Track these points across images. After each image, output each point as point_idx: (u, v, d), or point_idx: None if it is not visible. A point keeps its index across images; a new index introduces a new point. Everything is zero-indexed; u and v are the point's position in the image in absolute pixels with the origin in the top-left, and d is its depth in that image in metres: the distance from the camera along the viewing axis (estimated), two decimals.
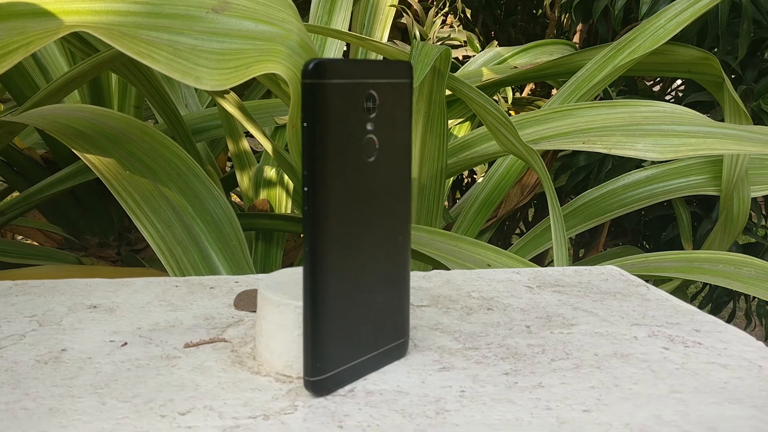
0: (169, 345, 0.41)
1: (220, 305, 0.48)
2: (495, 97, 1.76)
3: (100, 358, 0.39)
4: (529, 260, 1.32)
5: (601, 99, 1.47)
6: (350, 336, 0.36)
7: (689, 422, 0.34)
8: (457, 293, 0.52)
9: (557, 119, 0.99)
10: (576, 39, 1.70)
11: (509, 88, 1.72)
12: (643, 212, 1.51)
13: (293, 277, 0.41)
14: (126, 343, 0.41)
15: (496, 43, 1.69)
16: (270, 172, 1.22)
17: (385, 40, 1.60)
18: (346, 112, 0.34)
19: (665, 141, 0.89)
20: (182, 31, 0.54)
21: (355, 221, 0.35)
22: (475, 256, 0.94)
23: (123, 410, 0.33)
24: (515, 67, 1.17)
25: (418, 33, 1.58)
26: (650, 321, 0.47)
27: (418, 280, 0.55)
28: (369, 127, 0.35)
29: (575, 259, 1.93)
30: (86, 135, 0.73)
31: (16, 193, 1.22)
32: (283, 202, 1.22)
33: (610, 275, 0.57)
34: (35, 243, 1.41)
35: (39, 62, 1.24)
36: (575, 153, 1.31)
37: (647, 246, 1.65)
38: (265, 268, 1.18)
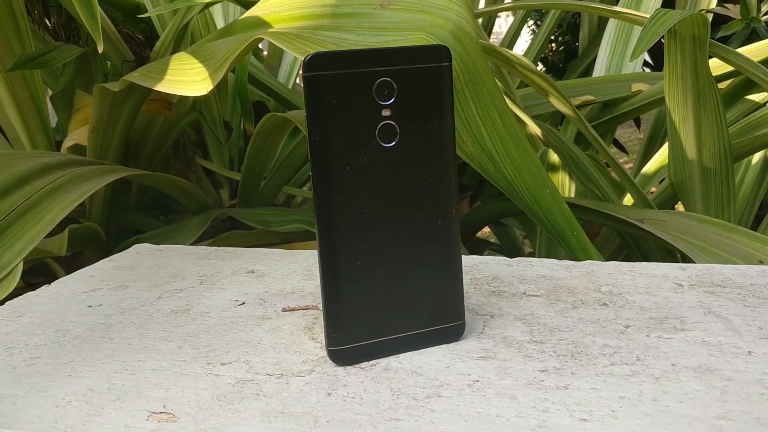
0: (273, 308, 0.47)
1: None
2: None
3: (215, 313, 0.47)
4: None
5: None
6: (374, 313, 0.38)
7: None
8: (587, 286, 0.48)
9: None
10: None
11: None
12: None
13: None
14: (243, 303, 0.48)
15: None
16: (554, 156, 1.20)
17: (713, 5, 1.44)
18: (349, 100, 0.36)
19: None
20: (350, 29, 0.59)
21: (370, 202, 0.37)
22: (747, 250, 0.82)
23: (186, 355, 0.40)
24: None
25: None
26: None
27: (558, 269, 0.52)
28: (386, 113, 0.36)
29: None
30: None
31: None
32: (566, 186, 1.20)
33: None
34: None
35: None
36: None
37: None
38: (549, 254, 1.17)
